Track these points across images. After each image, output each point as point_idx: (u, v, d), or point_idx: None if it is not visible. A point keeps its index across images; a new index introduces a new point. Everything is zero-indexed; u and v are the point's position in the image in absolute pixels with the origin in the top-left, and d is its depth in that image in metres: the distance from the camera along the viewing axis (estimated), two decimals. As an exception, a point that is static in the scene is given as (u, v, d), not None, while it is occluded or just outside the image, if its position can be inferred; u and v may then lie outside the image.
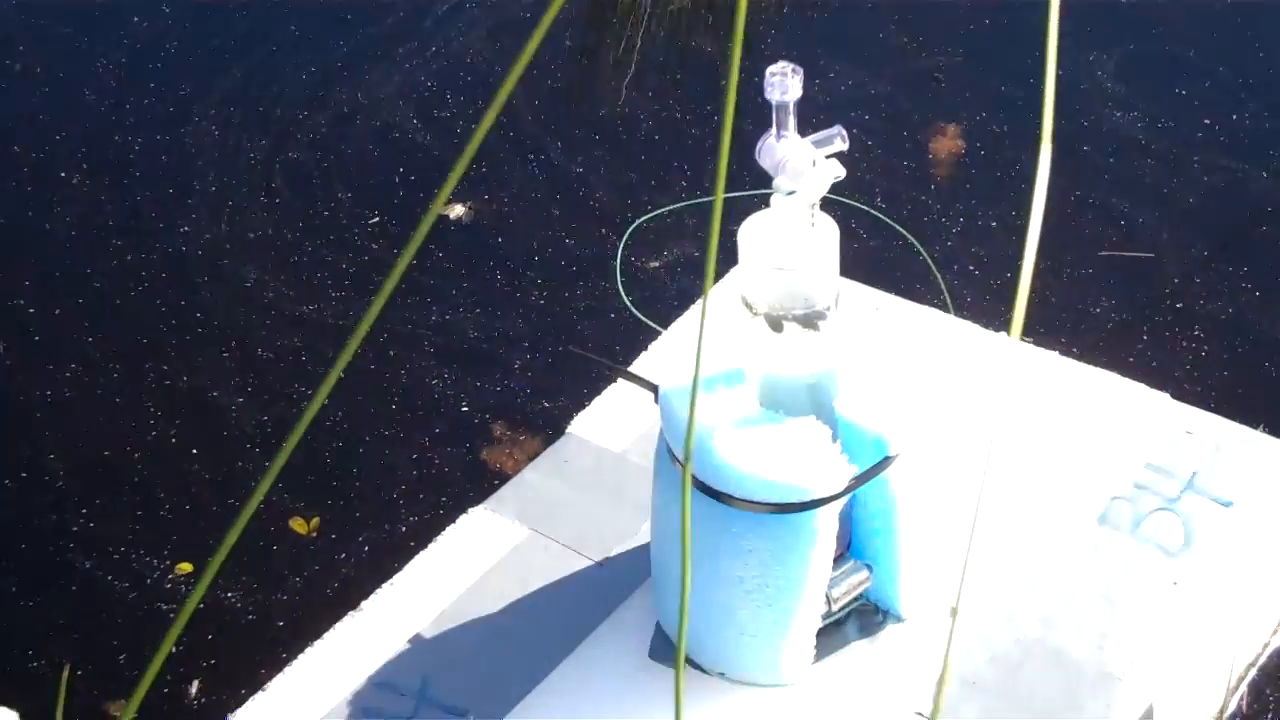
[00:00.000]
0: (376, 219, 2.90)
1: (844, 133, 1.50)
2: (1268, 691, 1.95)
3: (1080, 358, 2.11)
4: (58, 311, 2.77)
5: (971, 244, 2.67)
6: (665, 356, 2.10)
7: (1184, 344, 2.46)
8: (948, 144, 2.92)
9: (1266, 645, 1.98)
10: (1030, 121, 2.95)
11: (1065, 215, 2.73)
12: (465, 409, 2.48)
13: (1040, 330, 2.43)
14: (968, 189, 2.81)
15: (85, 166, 3.11)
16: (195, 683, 2.10)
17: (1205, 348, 2.45)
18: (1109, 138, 2.89)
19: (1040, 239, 2.54)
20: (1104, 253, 2.64)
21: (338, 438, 2.45)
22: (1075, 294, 2.57)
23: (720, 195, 0.72)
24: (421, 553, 1.90)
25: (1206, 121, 2.92)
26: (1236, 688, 1.92)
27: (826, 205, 2.54)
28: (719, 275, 2.16)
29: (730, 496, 1.59)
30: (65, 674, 1.88)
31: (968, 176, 2.84)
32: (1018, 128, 2.93)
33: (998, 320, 2.41)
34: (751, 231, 1.54)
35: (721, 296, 2.17)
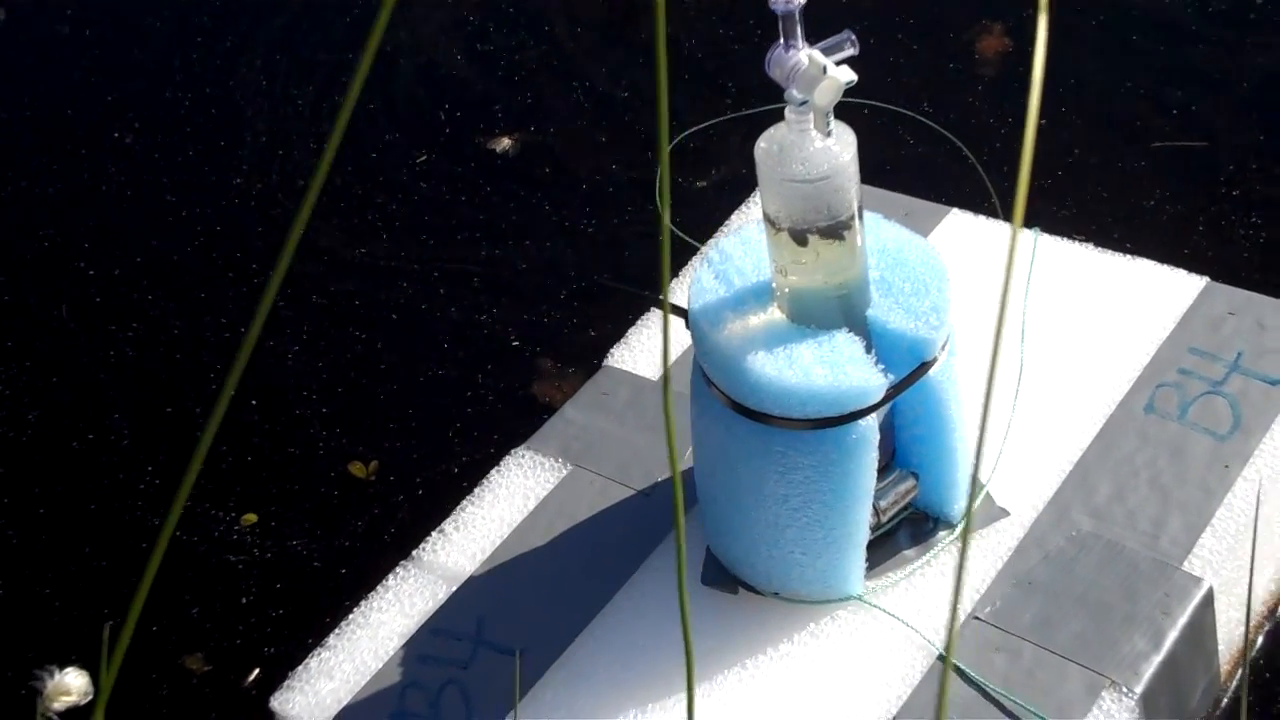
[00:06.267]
0: (424, 158, 2.90)
1: (853, 37, 1.48)
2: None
3: (1136, 253, 2.08)
4: (116, 271, 2.79)
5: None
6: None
7: (1242, 232, 2.41)
8: (994, 43, 2.87)
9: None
10: (1077, 17, 2.89)
11: (1115, 107, 2.68)
12: (515, 343, 2.48)
13: (1093, 227, 2.39)
14: (1016, 88, 2.76)
15: (137, 126, 3.13)
16: (256, 670, 2.12)
17: (1263, 234, 2.40)
18: (1158, 25, 2.84)
19: (1090, 132, 2.50)
20: (1157, 144, 2.60)
21: (392, 379, 2.46)
22: (1128, 188, 2.52)
23: (664, 142, 0.71)
24: (468, 497, 1.89)
25: (1258, 2, 2.85)
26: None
27: (872, 112, 2.51)
28: (748, 193, 2.14)
29: (769, 415, 1.58)
30: (105, 635, 1.90)
31: (1015, 75, 2.80)
32: (1065, 23, 2.88)
33: (1049, 219, 2.37)
34: (767, 146, 1.52)
35: (750, 215, 2.16)
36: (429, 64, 3.14)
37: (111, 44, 3.38)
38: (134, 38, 3.38)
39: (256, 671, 2.11)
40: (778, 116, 1.53)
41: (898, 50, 2.88)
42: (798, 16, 1.46)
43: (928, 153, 2.62)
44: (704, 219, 2.31)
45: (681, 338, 1.97)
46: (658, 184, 2.49)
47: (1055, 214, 2.47)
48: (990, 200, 2.24)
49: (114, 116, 3.16)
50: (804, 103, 1.48)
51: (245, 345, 0.68)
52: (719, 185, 2.65)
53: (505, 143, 2.89)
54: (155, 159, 3.04)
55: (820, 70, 1.45)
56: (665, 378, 0.75)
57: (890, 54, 2.86)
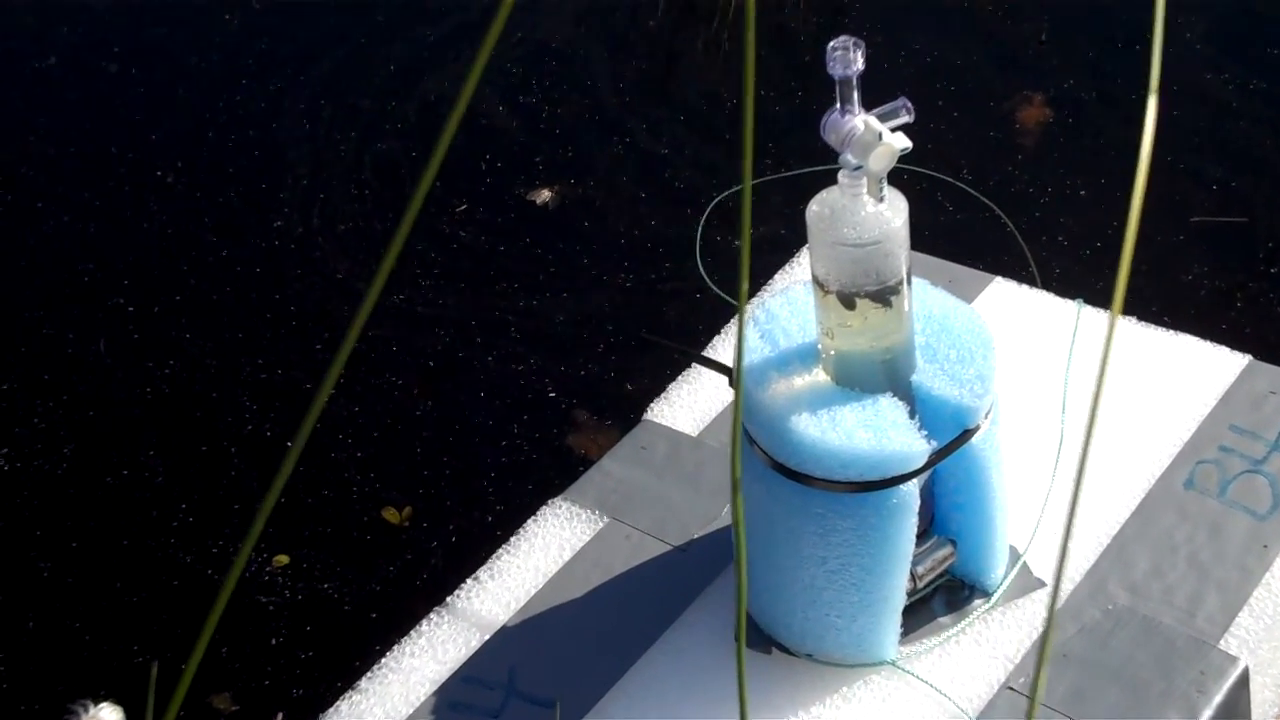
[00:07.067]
0: (464, 207, 2.91)
1: (909, 105, 1.48)
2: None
3: (1173, 326, 2.08)
4: (155, 309, 2.80)
5: (1060, 214, 2.64)
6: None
7: (1279, 310, 2.42)
8: (1035, 113, 2.89)
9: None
10: (1119, 88, 2.90)
11: (1156, 181, 2.68)
12: (551, 394, 2.48)
13: (1131, 299, 2.40)
14: (1056, 158, 2.77)
15: (180, 165, 3.15)
16: (280, 713, 2.12)
17: (1301, 312, 2.41)
18: (1200, 101, 2.85)
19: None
20: (1196, 219, 2.60)
21: (427, 426, 2.47)
22: (1167, 261, 2.53)
23: (748, 181, 0.72)
24: (503, 546, 1.89)
25: (1300, 81, 2.87)
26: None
27: (911, 177, 2.53)
28: (788, 253, 2.15)
29: (810, 476, 1.58)
30: (154, 672, 1.91)
31: (1056, 145, 2.81)
32: (1106, 95, 2.90)
33: (1087, 290, 2.37)
34: (819, 209, 1.53)
35: (794, 275, 2.17)
36: (471, 114, 3.16)
37: (157, 84, 3.41)
38: (179, 78, 3.41)
39: (280, 715, 2.12)
40: (821, 178, 1.53)
41: (939, 117, 2.90)
42: (855, 82, 1.47)
43: (966, 220, 2.63)
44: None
45: (723, 394, 1.97)
46: (696, 240, 2.50)
47: (1094, 285, 2.48)
48: (1029, 268, 2.24)
49: (157, 155, 3.18)
50: (858, 167, 1.49)
51: (315, 405, 0.69)
52: (758, 244, 2.66)
53: (545, 194, 2.91)
54: (197, 198, 3.06)
55: (876, 136, 1.46)
56: (734, 444, 0.76)
57: (931, 121, 2.88)
